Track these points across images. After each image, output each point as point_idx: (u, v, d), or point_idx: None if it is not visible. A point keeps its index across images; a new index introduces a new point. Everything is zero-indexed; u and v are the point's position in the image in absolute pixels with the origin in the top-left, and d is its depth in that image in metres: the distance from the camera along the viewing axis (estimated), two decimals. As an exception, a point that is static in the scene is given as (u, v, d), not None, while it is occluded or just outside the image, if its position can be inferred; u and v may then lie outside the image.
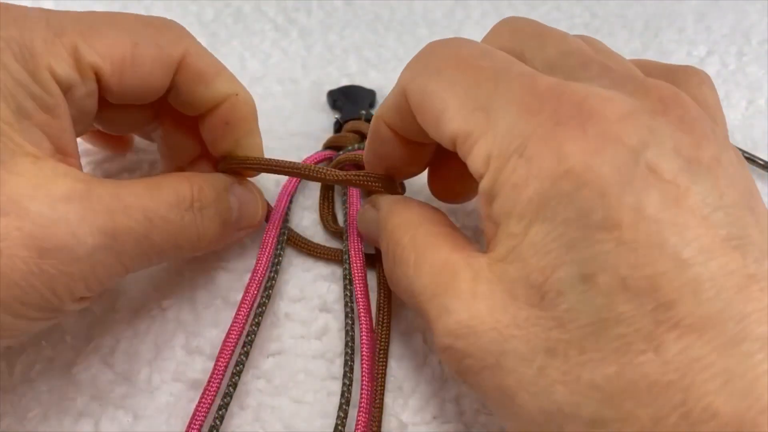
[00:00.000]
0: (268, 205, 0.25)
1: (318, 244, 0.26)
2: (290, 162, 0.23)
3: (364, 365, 0.21)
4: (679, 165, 0.15)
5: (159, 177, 0.21)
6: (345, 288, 0.23)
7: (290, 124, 0.32)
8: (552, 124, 0.15)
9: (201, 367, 0.22)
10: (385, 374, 0.21)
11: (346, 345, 0.22)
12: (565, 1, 0.42)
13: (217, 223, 0.22)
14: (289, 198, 0.26)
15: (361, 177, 0.23)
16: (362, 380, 0.21)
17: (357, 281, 0.23)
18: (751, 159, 0.30)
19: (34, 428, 0.21)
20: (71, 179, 0.18)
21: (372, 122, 0.22)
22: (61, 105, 0.19)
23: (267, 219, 0.25)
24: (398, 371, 0.22)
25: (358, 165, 0.26)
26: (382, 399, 0.20)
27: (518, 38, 0.19)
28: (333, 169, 0.24)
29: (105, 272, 0.19)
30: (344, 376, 0.21)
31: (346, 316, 0.23)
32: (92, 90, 0.20)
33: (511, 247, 0.16)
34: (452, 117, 0.17)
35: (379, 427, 0.20)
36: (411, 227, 0.20)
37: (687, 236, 0.14)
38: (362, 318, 0.22)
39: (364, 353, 0.21)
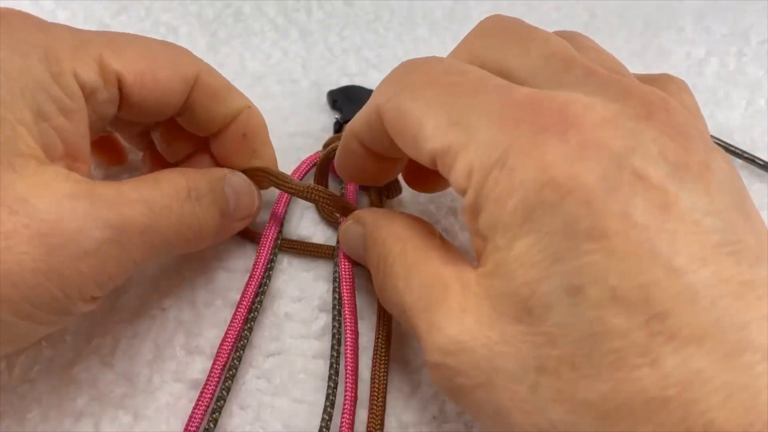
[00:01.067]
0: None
1: (310, 243, 0.26)
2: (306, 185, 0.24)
3: (348, 367, 0.21)
4: (667, 170, 0.14)
5: (155, 173, 0.21)
6: (334, 291, 0.23)
7: (290, 124, 0.32)
8: (532, 133, 0.15)
9: (201, 367, 0.22)
10: (386, 375, 0.21)
11: (332, 348, 0.22)
12: (565, 1, 0.42)
13: (215, 213, 0.22)
14: (289, 197, 0.26)
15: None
16: (346, 382, 0.21)
17: (344, 282, 0.23)
18: (751, 159, 0.30)
19: (34, 428, 0.21)
20: (73, 181, 0.18)
21: (343, 137, 0.22)
22: (81, 110, 0.19)
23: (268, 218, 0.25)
24: (399, 372, 0.22)
25: None
26: (384, 399, 0.20)
27: (499, 43, 0.19)
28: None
29: (114, 267, 0.19)
30: (329, 378, 0.21)
31: (334, 318, 0.23)
32: (114, 96, 0.20)
33: (497, 261, 0.15)
34: (430, 135, 0.17)
35: (382, 427, 0.20)
36: (400, 240, 0.19)
37: (678, 243, 0.13)
38: (347, 319, 0.22)
39: (348, 354, 0.21)
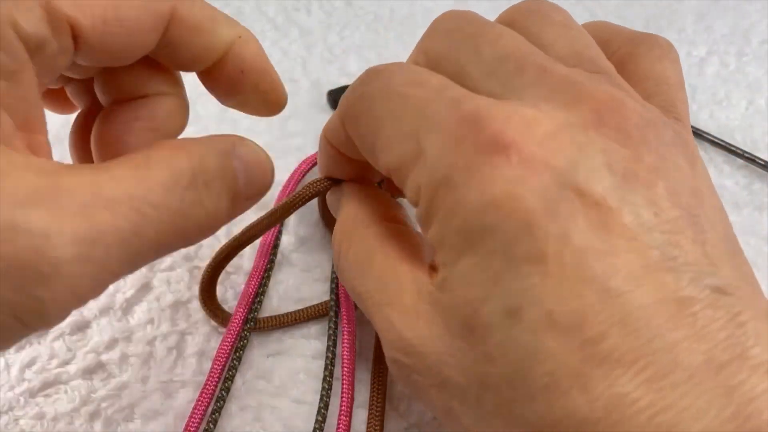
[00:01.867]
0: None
1: (294, 312, 0.24)
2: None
3: (345, 368, 0.21)
4: (612, 183, 0.14)
5: (147, 151, 0.16)
6: (331, 292, 0.23)
7: (290, 124, 0.32)
8: (474, 152, 0.15)
9: (200, 368, 0.22)
10: (386, 375, 0.21)
11: (327, 349, 0.22)
12: (565, 1, 0.42)
13: (225, 198, 0.17)
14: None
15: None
16: (342, 383, 0.21)
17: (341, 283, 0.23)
18: (751, 159, 0.30)
19: (31, 429, 0.21)
20: (33, 173, 0.14)
21: (319, 141, 0.22)
22: (25, 69, 0.15)
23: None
24: (398, 371, 0.22)
25: None
26: (384, 399, 0.20)
27: (454, 43, 0.18)
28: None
29: (86, 286, 0.14)
30: (324, 380, 0.21)
31: (330, 320, 0.23)
32: (67, 46, 0.16)
33: (445, 275, 0.15)
34: (384, 148, 0.17)
35: (382, 427, 0.20)
36: (363, 223, 0.19)
37: (615, 264, 0.13)
38: (344, 320, 0.22)
39: (345, 355, 0.21)
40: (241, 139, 0.19)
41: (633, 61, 0.18)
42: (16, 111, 0.15)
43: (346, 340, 0.22)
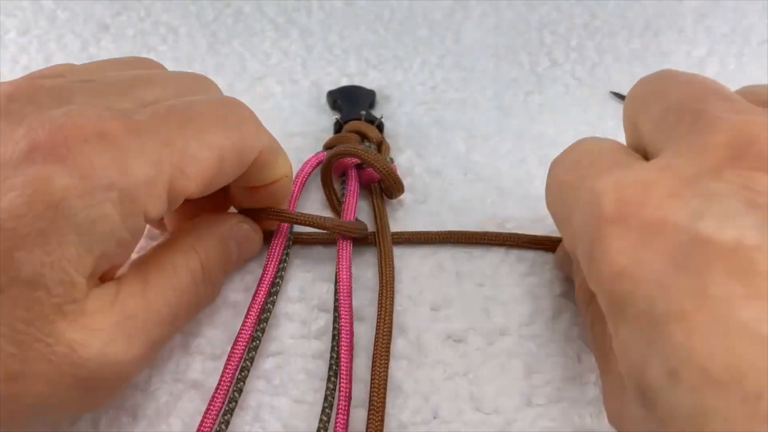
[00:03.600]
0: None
1: (316, 232, 0.26)
2: (316, 216, 0.25)
3: (343, 366, 0.21)
4: (752, 221, 0.13)
5: (171, 255, 0.21)
6: (336, 291, 0.24)
7: (290, 124, 0.32)
8: (600, 225, 0.15)
9: (201, 367, 0.22)
10: (386, 374, 0.21)
11: (332, 350, 0.22)
12: (565, 1, 0.42)
13: (222, 276, 0.23)
14: (296, 203, 0.27)
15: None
16: (340, 381, 0.21)
17: (341, 282, 0.23)
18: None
19: (33, 428, 0.21)
20: (109, 314, 0.18)
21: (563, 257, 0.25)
22: (139, 238, 0.19)
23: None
24: (398, 371, 0.22)
25: (353, 155, 0.26)
26: (384, 399, 0.20)
27: (638, 105, 0.19)
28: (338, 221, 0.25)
29: (131, 381, 0.20)
30: (328, 380, 0.21)
31: (335, 320, 0.23)
32: (175, 207, 0.20)
33: (615, 344, 0.16)
34: (567, 239, 0.20)
35: (382, 427, 0.20)
36: (588, 292, 0.21)
37: (764, 307, 0.12)
38: (342, 319, 0.22)
39: (342, 354, 0.21)
40: (239, 220, 0.24)
41: None
42: (116, 261, 0.19)
43: (344, 340, 0.22)
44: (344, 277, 0.24)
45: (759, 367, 0.12)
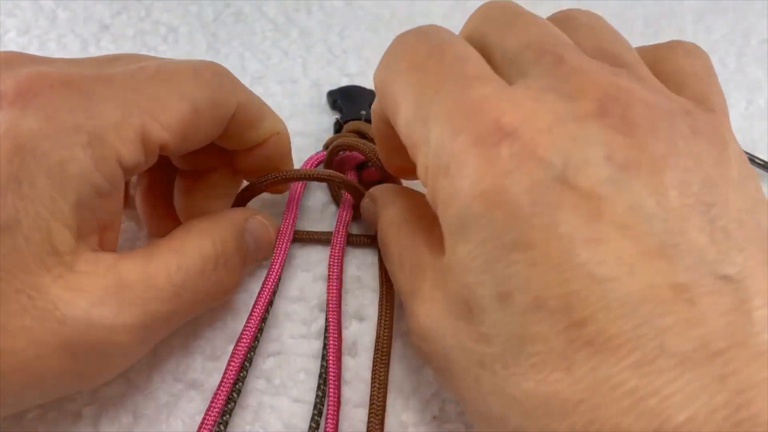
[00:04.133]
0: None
1: (317, 231, 0.26)
2: (312, 170, 0.26)
3: (331, 370, 0.21)
4: (607, 174, 0.14)
5: (182, 237, 0.20)
6: (328, 290, 0.24)
7: (290, 124, 0.32)
8: (471, 143, 0.15)
9: (201, 367, 0.22)
10: (387, 374, 0.21)
11: (322, 357, 0.22)
12: (565, 1, 0.42)
13: (239, 270, 0.22)
14: (297, 205, 0.27)
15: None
16: (329, 385, 0.21)
17: (331, 281, 0.23)
18: (750, 159, 0.30)
19: (34, 428, 0.21)
20: (102, 277, 0.18)
21: (372, 116, 0.22)
22: (120, 189, 0.19)
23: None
24: (399, 371, 0.22)
25: (353, 148, 0.27)
26: (384, 399, 0.20)
27: (487, 25, 0.19)
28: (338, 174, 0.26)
29: (135, 357, 0.19)
30: (318, 387, 0.21)
31: (326, 321, 0.23)
32: (153, 161, 0.20)
33: (448, 259, 0.16)
34: (401, 123, 0.18)
35: (382, 427, 0.20)
36: (395, 225, 0.21)
37: (603, 251, 0.13)
38: (330, 321, 0.22)
39: (330, 357, 0.21)
40: (252, 214, 0.23)
41: (661, 62, 0.18)
42: (102, 217, 0.18)
43: (332, 346, 0.22)
44: (334, 276, 0.24)
45: (587, 301, 0.13)
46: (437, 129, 0.16)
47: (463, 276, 0.15)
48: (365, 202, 0.25)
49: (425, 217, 0.20)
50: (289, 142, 0.25)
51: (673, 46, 0.19)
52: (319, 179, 0.26)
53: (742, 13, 0.40)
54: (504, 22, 0.18)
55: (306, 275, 0.25)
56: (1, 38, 0.38)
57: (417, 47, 0.18)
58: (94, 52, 0.37)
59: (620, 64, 0.17)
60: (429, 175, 0.17)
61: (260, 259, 0.24)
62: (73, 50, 0.37)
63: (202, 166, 0.24)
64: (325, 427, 0.20)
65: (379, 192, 0.24)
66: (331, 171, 0.26)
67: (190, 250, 0.20)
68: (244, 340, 0.21)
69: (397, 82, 0.18)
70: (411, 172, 0.20)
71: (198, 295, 0.20)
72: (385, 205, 0.22)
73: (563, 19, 0.19)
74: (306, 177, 0.25)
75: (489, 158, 0.15)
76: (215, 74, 0.21)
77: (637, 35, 0.39)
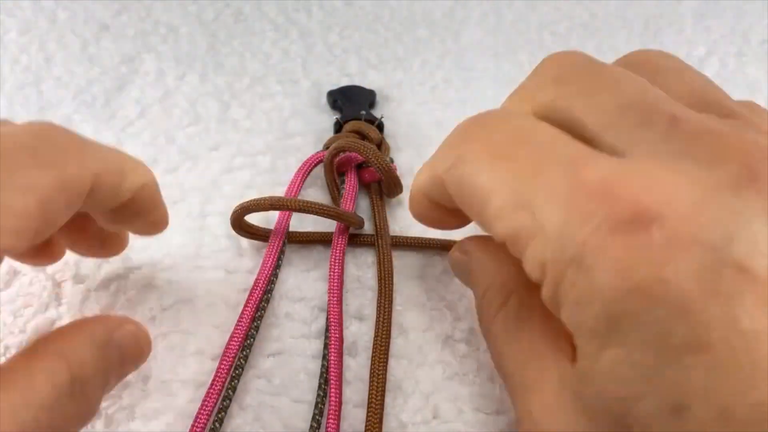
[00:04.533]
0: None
1: (313, 232, 0.26)
2: (296, 200, 0.25)
3: (332, 370, 0.21)
4: None
5: (30, 358, 0.17)
6: (329, 291, 0.24)
7: (290, 124, 0.32)
8: (608, 230, 0.13)
9: (201, 368, 0.22)
10: (385, 374, 0.21)
11: (323, 357, 0.22)
12: (565, 1, 0.42)
13: (100, 392, 0.18)
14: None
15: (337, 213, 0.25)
16: (330, 385, 0.21)
17: (332, 282, 0.23)
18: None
19: (34, 428, 0.21)
20: None
21: (411, 193, 0.21)
22: None
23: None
24: (398, 371, 0.22)
25: (353, 149, 0.27)
26: (383, 399, 0.20)
27: (566, 90, 0.17)
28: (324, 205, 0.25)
29: None
30: (319, 387, 0.21)
31: (327, 326, 0.23)
32: None
33: (587, 369, 0.14)
34: (495, 216, 0.15)
35: (380, 427, 0.20)
36: (501, 293, 0.18)
37: None
38: (331, 322, 0.22)
39: (332, 358, 0.21)
40: (120, 323, 0.19)
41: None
42: None
43: (333, 345, 0.22)
44: (335, 277, 0.24)
45: None
46: (552, 214, 0.14)
47: (614, 389, 0.13)
48: (456, 256, 0.22)
49: (537, 306, 0.17)
50: (158, 186, 0.21)
51: (751, 110, 0.17)
52: (317, 212, 0.25)
53: (741, 13, 0.40)
54: (585, 82, 0.16)
55: (306, 275, 0.25)
56: (2, 38, 0.38)
57: (491, 135, 0.17)
58: (94, 52, 0.37)
59: (727, 114, 0.15)
60: (549, 269, 0.14)
61: (127, 373, 0.20)
62: (73, 50, 0.37)
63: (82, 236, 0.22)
64: (327, 428, 0.20)
65: (471, 245, 0.21)
66: (321, 204, 0.25)
67: (40, 381, 0.16)
68: (236, 337, 0.21)
69: (476, 171, 0.16)
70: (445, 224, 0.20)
71: (47, 423, 0.16)
72: (482, 263, 0.20)
73: (638, 65, 0.17)
74: (296, 208, 0.25)
75: (637, 246, 0.13)
76: (58, 148, 0.17)
77: (637, 35, 0.39)
